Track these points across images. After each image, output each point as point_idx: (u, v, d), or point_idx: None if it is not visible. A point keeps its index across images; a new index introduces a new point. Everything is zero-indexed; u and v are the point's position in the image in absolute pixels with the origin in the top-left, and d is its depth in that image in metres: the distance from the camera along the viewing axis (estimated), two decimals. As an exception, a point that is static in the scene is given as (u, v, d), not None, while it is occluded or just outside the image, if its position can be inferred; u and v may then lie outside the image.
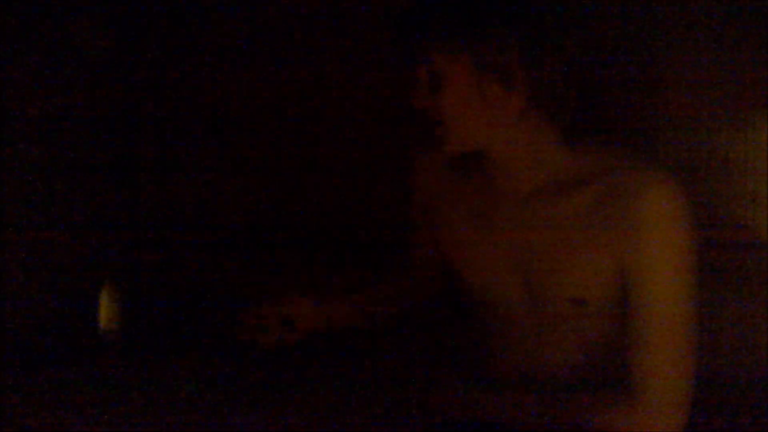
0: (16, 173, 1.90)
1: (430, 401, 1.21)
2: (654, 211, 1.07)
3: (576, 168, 1.14)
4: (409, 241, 1.41)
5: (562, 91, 1.12)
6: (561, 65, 1.11)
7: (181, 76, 2.10)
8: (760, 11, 1.49)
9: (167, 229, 2.13)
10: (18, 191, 1.89)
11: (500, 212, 1.19)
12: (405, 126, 1.80)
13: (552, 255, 1.15)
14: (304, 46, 1.94)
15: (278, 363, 1.77)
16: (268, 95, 1.99)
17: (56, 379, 1.71)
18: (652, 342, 1.09)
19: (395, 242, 1.60)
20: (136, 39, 2.13)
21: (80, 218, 2.03)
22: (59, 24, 1.97)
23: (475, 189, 1.24)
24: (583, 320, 1.17)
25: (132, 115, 2.15)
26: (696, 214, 1.11)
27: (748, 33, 1.52)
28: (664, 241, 1.08)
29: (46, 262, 1.94)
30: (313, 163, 1.96)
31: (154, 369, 1.74)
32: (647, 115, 1.59)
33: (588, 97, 1.57)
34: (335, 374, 1.68)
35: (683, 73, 1.56)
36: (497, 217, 1.20)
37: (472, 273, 1.24)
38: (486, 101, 1.10)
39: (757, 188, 1.53)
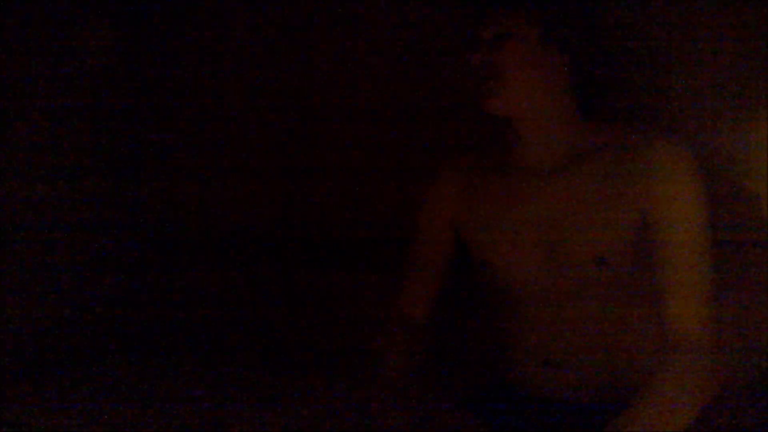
0: (16, 173, 1.90)
1: None
2: (669, 163, 1.20)
3: (594, 138, 1.26)
4: (413, 247, 1.43)
5: (599, 73, 1.30)
6: (605, 49, 1.30)
7: (183, 77, 2.10)
8: (762, 9, 1.49)
9: (168, 229, 2.13)
10: (18, 191, 1.90)
11: (523, 189, 1.28)
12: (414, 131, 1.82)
13: (574, 218, 1.23)
14: (308, 46, 1.93)
15: (278, 363, 1.77)
16: (272, 96, 1.99)
17: (56, 380, 1.72)
18: (684, 285, 1.18)
19: (398, 245, 1.60)
20: (139, 39, 2.13)
21: (80, 218, 2.03)
22: (61, 24, 1.98)
23: (498, 173, 1.33)
24: (603, 286, 1.23)
25: (133, 115, 2.15)
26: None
27: (750, 32, 1.52)
28: (682, 188, 1.20)
29: (46, 262, 1.94)
30: (316, 166, 1.96)
31: (154, 369, 1.74)
32: (649, 115, 1.59)
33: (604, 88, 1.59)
34: (336, 375, 1.68)
35: (685, 72, 1.57)
36: (520, 194, 1.28)
37: (497, 253, 1.30)
38: (544, 64, 1.23)
39: (758, 187, 1.54)
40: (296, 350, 1.87)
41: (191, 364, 1.81)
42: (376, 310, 1.77)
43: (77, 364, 1.81)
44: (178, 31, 2.09)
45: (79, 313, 1.99)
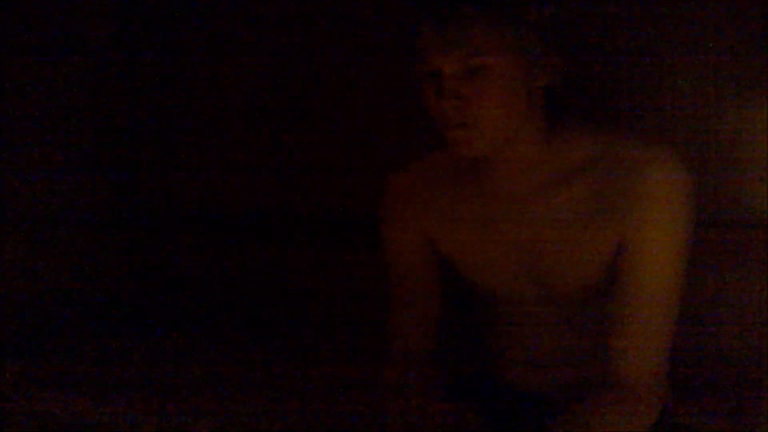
0: (16, 173, 1.91)
1: None
2: (653, 186, 1.03)
3: (574, 157, 1.09)
4: (391, 272, 1.25)
5: (563, 81, 1.07)
6: (566, 57, 1.06)
7: (181, 71, 2.10)
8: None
9: (167, 225, 2.15)
10: (20, 179, 1.91)
11: (500, 212, 1.13)
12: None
13: (561, 246, 1.11)
14: (306, 42, 1.93)
15: (279, 353, 1.78)
16: (270, 91, 1.99)
17: (56, 368, 1.73)
18: (637, 323, 1.06)
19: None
20: (139, 32, 2.14)
21: (81, 205, 2.05)
22: (61, 21, 1.98)
23: (469, 192, 1.17)
24: (593, 306, 1.15)
25: (133, 110, 2.16)
26: (700, 192, 1.08)
27: (754, 14, 1.50)
28: (661, 219, 1.04)
29: (46, 261, 1.96)
30: (312, 159, 1.96)
31: (157, 364, 1.75)
32: (654, 97, 1.57)
33: (595, 82, 1.55)
34: (335, 365, 1.69)
35: (689, 55, 1.55)
36: (498, 217, 1.14)
37: (480, 274, 1.19)
38: (526, 96, 1.02)
39: (762, 168, 1.51)
40: (296, 344, 1.87)
41: (191, 356, 1.82)
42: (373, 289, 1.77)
43: (78, 351, 1.83)
44: (177, 27, 2.10)
45: (80, 300, 2.01)
